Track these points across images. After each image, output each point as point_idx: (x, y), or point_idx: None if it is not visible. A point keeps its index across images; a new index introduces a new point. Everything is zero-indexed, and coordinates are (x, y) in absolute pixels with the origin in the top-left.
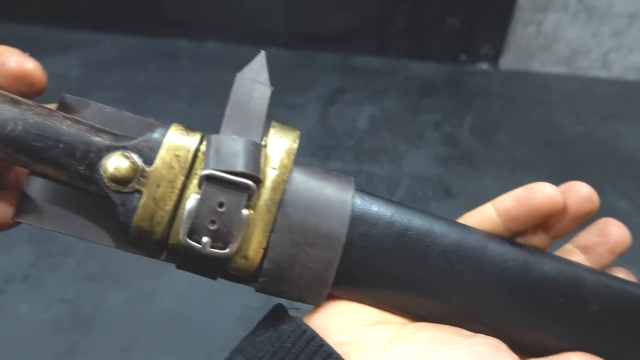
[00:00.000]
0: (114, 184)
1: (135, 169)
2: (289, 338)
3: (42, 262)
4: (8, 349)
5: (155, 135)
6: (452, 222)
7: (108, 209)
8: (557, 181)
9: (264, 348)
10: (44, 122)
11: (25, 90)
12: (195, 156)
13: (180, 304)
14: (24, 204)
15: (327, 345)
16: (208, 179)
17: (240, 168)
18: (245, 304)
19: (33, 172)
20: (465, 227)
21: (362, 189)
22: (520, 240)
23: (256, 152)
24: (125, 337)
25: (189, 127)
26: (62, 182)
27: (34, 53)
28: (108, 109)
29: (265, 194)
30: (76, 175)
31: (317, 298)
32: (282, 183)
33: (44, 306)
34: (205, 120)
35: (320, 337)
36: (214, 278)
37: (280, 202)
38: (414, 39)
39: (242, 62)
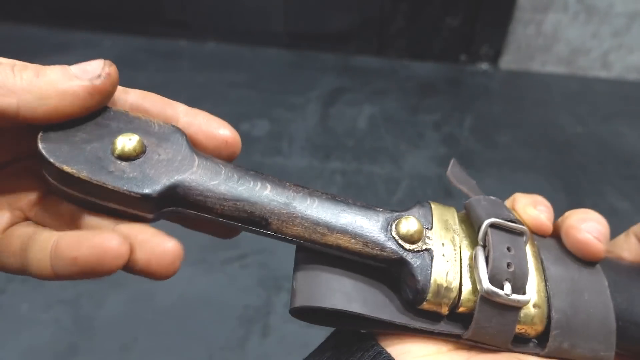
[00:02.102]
0: (407, 244)
1: (423, 228)
2: (363, 357)
3: None
4: (8, 348)
5: (424, 204)
6: None
7: (389, 279)
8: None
9: None
10: (332, 200)
11: (225, 155)
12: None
13: (180, 304)
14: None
15: None
16: (492, 226)
17: (511, 217)
18: (245, 304)
19: (307, 248)
20: None
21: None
22: None
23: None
24: (125, 337)
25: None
26: (353, 253)
27: (34, 53)
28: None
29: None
30: (370, 241)
31: (610, 349)
32: (531, 234)
33: (44, 306)
34: None
35: None
36: (504, 347)
37: (539, 252)
38: (414, 39)
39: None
